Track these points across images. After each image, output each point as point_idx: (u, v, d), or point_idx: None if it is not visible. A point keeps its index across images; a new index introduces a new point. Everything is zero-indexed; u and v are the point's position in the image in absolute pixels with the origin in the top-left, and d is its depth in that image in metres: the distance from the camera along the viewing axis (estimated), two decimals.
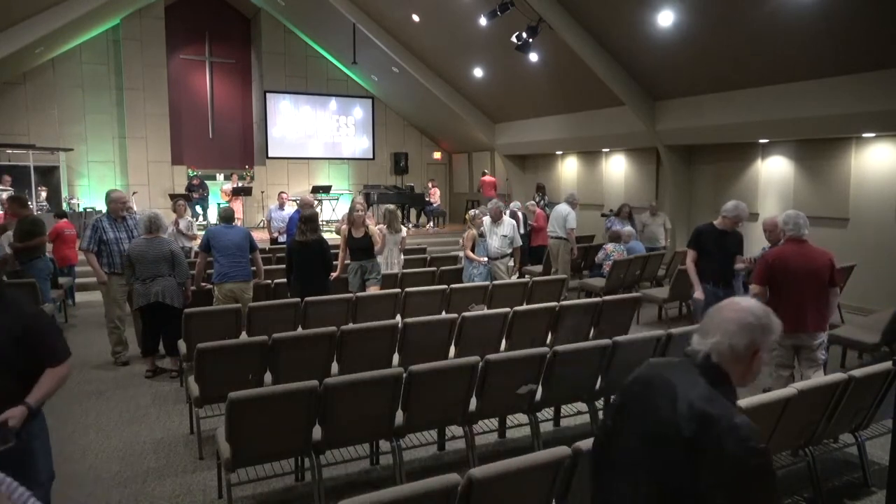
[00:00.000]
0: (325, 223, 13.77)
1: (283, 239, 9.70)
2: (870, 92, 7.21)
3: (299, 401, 3.25)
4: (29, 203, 8.29)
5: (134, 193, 13.94)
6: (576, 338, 5.16)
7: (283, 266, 6.20)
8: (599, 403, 4.51)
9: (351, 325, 4.87)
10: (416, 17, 12.17)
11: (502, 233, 7.60)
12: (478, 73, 12.90)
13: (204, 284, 6.34)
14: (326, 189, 16.06)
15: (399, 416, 3.61)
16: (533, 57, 10.35)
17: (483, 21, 9.96)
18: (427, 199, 15.69)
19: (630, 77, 10.06)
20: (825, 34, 7.05)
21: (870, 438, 3.99)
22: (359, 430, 3.60)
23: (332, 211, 16.23)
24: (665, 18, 8.17)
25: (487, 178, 15.32)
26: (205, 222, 13.94)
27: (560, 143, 13.34)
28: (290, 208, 10.51)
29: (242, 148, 17.47)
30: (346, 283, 6.56)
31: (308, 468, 3.69)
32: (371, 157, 18.07)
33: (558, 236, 9.13)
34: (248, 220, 15.41)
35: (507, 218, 7.83)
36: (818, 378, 3.73)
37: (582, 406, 4.55)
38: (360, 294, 6.00)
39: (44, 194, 12.84)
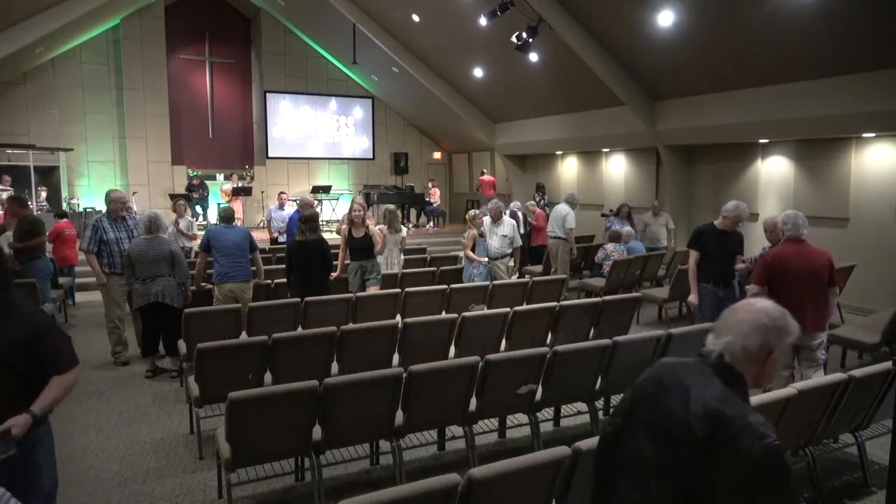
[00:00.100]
0: (325, 223, 13.77)
1: (283, 239, 9.70)
2: (870, 92, 7.22)
3: (299, 401, 3.25)
4: (29, 203, 8.29)
5: (134, 193, 13.94)
6: (576, 338, 5.16)
7: (283, 266, 6.19)
8: (599, 403, 4.51)
9: (351, 325, 4.87)
10: (416, 17, 12.17)
11: (502, 233, 7.60)
12: (478, 73, 12.90)
13: (204, 284, 6.34)
14: (326, 189, 16.06)
15: (399, 416, 3.61)
16: (533, 57, 10.35)
17: (483, 21, 9.96)
18: (427, 199, 15.69)
19: (630, 77, 10.06)
20: (825, 34, 7.05)
21: (870, 438, 3.99)
22: (359, 430, 3.60)
23: (332, 211, 16.23)
24: (665, 18, 8.18)
25: (486, 177, 15.31)
26: (205, 222, 13.94)
27: (560, 143, 13.34)
28: (290, 208, 10.51)
29: (242, 148, 17.47)
30: (346, 283, 6.56)
31: (308, 468, 3.69)
32: (371, 157, 18.07)
33: (557, 236, 9.13)
34: (248, 220, 15.41)
35: (507, 218, 7.84)
36: (818, 378, 3.73)
37: (582, 406, 4.55)
38: (360, 294, 6.00)
39: (44, 194, 12.84)
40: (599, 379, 4.26)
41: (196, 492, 3.74)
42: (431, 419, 3.85)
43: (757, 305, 1.67)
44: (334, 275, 6.45)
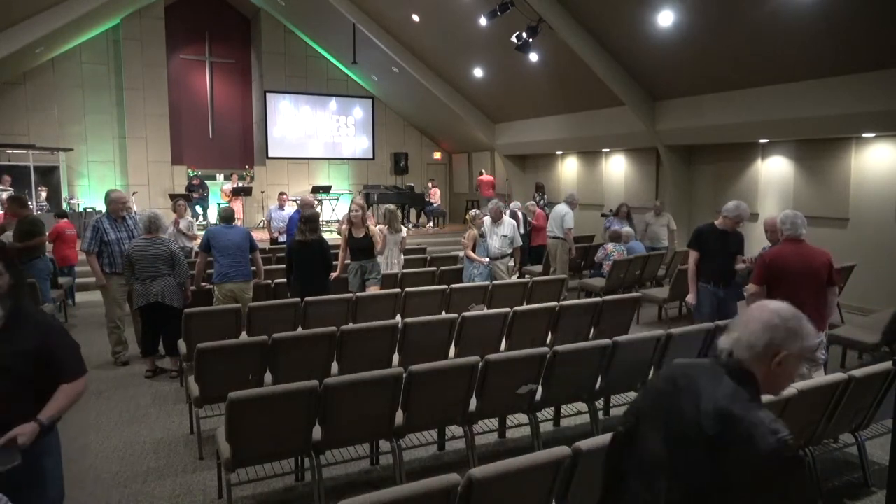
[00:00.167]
0: (325, 223, 13.77)
1: (283, 239, 9.70)
2: (870, 92, 7.22)
3: (299, 401, 3.25)
4: (29, 203, 8.29)
5: (134, 193, 13.94)
6: (576, 338, 5.16)
7: (283, 266, 6.19)
8: (599, 403, 4.51)
9: (351, 325, 4.87)
10: (416, 17, 12.17)
11: (502, 233, 7.60)
12: (478, 73, 12.90)
13: (204, 284, 6.34)
14: (326, 189, 16.06)
15: (399, 416, 3.61)
16: (533, 57, 10.35)
17: (483, 21, 9.97)
18: (427, 199, 15.69)
19: (630, 77, 10.06)
20: (825, 34, 7.05)
21: (870, 438, 3.99)
22: (359, 430, 3.60)
23: (332, 211, 16.23)
24: (665, 18, 8.18)
25: (485, 177, 15.31)
26: (205, 222, 13.94)
27: (560, 143, 13.34)
28: (290, 208, 10.52)
29: (242, 148, 17.47)
30: (346, 283, 6.56)
31: (308, 468, 3.69)
32: (371, 157, 18.08)
33: (556, 236, 9.13)
34: (248, 220, 15.42)
35: (507, 218, 7.83)
36: (818, 378, 3.73)
37: (582, 406, 4.55)
38: (360, 294, 6.00)
39: (44, 194, 12.84)
40: (599, 379, 4.26)
41: (196, 492, 3.74)
42: (431, 419, 3.85)
43: (770, 306, 1.65)
44: (334, 275, 6.45)
